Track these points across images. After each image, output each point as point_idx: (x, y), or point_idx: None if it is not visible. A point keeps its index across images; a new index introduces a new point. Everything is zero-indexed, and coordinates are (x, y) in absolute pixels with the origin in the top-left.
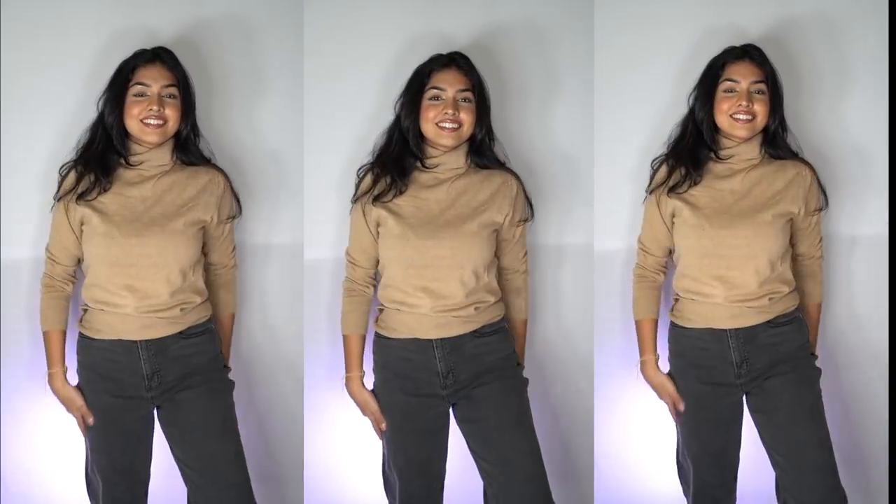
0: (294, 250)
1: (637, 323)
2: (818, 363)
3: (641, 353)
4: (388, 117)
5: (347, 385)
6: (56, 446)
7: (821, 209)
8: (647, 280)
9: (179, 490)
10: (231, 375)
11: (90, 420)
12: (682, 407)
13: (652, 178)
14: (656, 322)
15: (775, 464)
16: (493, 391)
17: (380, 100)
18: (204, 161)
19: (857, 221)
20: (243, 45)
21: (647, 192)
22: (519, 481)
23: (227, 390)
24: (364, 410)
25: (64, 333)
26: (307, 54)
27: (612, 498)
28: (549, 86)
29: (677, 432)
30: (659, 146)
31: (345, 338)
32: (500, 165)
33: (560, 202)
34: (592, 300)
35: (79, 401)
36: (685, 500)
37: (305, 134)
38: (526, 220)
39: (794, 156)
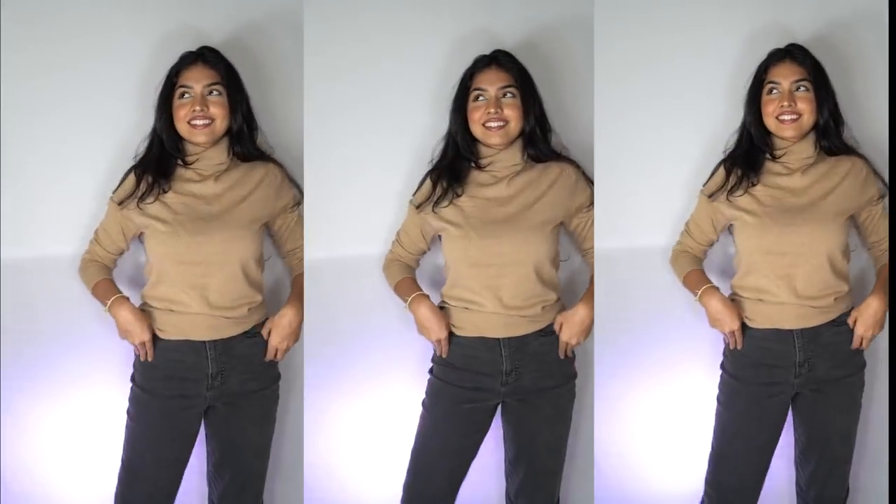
0: None
1: (684, 278)
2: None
3: (699, 287)
4: (391, 117)
5: (414, 304)
6: (57, 446)
7: (882, 196)
8: (686, 252)
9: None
10: None
11: (149, 352)
12: (740, 341)
13: (709, 179)
14: (703, 272)
15: (802, 461)
16: (546, 415)
17: (382, 99)
18: (260, 155)
19: None
20: (249, 45)
21: (702, 188)
22: (539, 499)
23: (275, 411)
24: (435, 330)
25: (113, 282)
26: (308, 54)
27: (612, 497)
28: (546, 84)
29: (713, 442)
30: (663, 146)
31: (396, 285)
32: (557, 156)
33: None
34: (592, 300)
35: (148, 328)
36: (686, 498)
37: (306, 133)
38: (594, 203)
39: (848, 150)
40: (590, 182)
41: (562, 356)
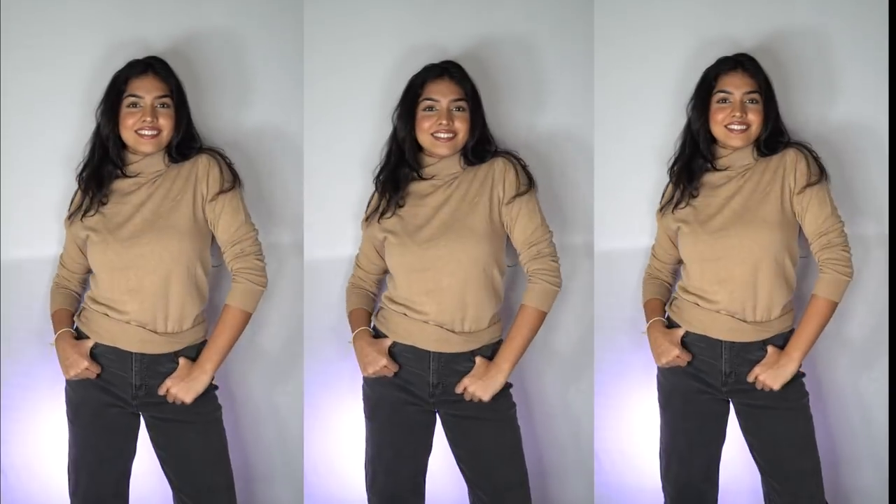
0: (294, 250)
1: (645, 305)
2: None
3: (650, 318)
4: (387, 120)
5: (356, 340)
6: (57, 446)
7: (816, 182)
8: (654, 278)
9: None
10: (232, 375)
11: (93, 371)
12: (685, 359)
13: (662, 195)
14: (664, 303)
15: (766, 481)
16: (488, 427)
17: (382, 102)
18: (196, 151)
19: (850, 223)
20: (243, 48)
21: (658, 208)
22: None
23: (219, 418)
24: (376, 361)
25: (72, 314)
26: (307, 55)
27: (612, 495)
28: (550, 89)
29: (661, 441)
30: (659, 148)
31: (350, 314)
32: (492, 154)
33: (560, 202)
34: (592, 300)
35: (86, 356)
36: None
37: (306, 134)
38: (522, 194)
39: (786, 145)
40: (524, 173)
41: (466, 399)
